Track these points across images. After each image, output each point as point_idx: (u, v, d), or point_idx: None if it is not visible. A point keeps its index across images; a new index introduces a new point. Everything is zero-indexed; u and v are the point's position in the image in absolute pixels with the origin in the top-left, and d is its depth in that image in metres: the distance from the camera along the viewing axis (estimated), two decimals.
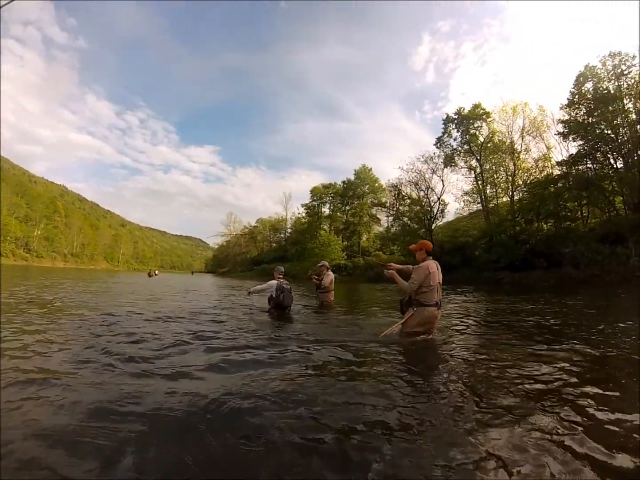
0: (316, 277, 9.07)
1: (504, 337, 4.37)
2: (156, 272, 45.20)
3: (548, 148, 29.30)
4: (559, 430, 2.05)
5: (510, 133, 31.10)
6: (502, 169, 31.93)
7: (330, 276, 8.91)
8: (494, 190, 33.09)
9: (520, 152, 30.19)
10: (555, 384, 2.86)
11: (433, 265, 4.52)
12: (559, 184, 25.73)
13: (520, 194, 29.32)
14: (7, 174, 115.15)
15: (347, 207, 59.58)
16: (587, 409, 2.34)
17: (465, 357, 3.77)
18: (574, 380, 2.94)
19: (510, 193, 29.94)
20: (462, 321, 6.49)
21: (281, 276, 7.61)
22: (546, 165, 29.24)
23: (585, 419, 2.19)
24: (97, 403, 2.30)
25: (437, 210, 35.01)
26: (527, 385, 2.83)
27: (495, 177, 32.70)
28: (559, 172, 26.96)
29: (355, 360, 3.58)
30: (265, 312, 7.39)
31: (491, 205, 33.06)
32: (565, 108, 27.02)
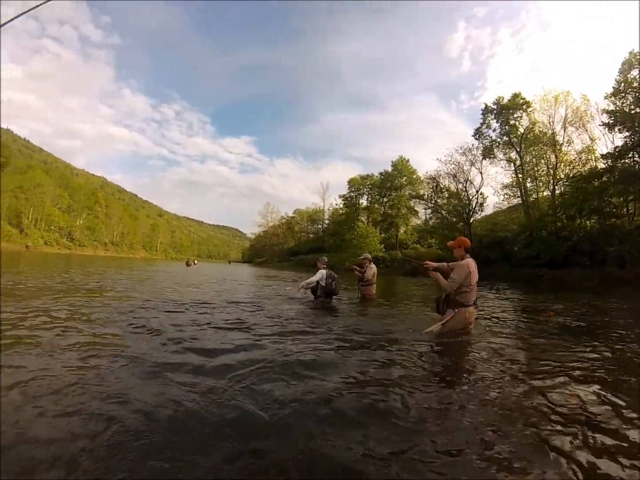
0: (358, 269, 8.98)
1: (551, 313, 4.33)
2: (195, 261, 45.95)
3: (592, 140, 28.14)
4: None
5: (551, 124, 30.20)
6: (543, 161, 30.99)
7: (373, 269, 8.82)
8: (534, 183, 32.27)
9: (562, 143, 29.34)
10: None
11: (472, 264, 4.54)
12: (604, 178, 24.50)
13: (562, 188, 28.47)
14: (51, 167, 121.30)
15: (385, 199, 59.68)
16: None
17: (500, 355, 3.85)
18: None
19: (552, 187, 29.23)
20: (498, 318, 6.45)
21: (325, 265, 7.97)
22: (590, 158, 28.10)
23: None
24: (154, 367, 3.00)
25: (476, 204, 34.70)
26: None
27: (536, 170, 31.79)
28: (603, 166, 25.66)
29: (395, 353, 3.76)
30: (310, 301, 7.84)
31: (531, 199, 32.31)
32: (611, 97, 25.57)
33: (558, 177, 28.93)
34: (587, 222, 26.25)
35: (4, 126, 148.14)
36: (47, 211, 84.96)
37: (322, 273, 7.70)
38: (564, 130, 29.32)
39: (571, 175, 27.86)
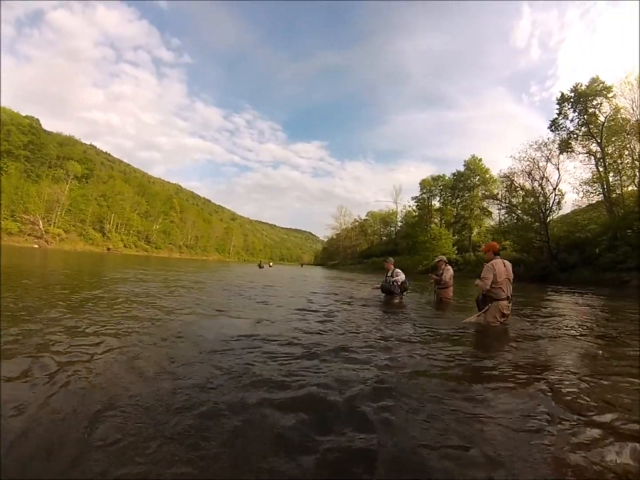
0: (435, 274, 8.94)
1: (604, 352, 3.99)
2: (270, 264, 47.19)
3: None
4: None
5: (635, 109, 27.06)
6: (627, 152, 28.03)
7: (450, 271, 8.67)
8: (618, 177, 29.23)
9: None
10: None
11: (499, 263, 5.39)
12: None
13: None
14: (130, 177, 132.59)
15: (458, 200, 58.01)
16: None
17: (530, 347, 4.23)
18: None
19: (638, 181, 26.35)
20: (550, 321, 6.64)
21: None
22: None
23: None
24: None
25: (553, 202, 32.39)
26: None
27: (619, 162, 28.84)
28: None
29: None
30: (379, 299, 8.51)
31: (614, 195, 29.27)
32: None
33: None
34: None
35: (88, 142, 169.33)
36: (126, 216, 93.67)
37: (401, 272, 8.42)
38: None
39: None
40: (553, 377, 3.07)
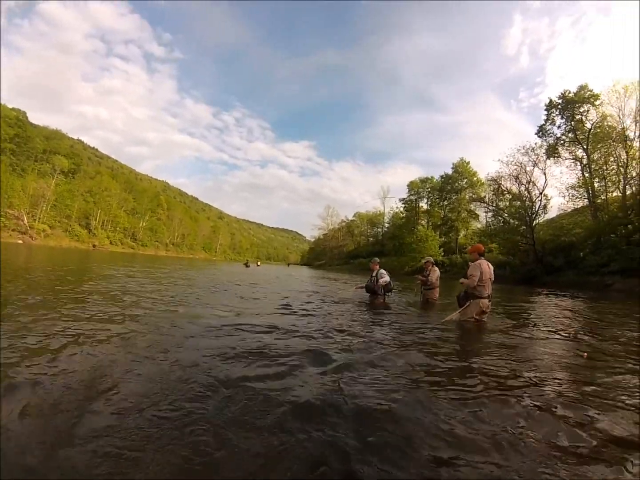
0: (421, 275, 9.00)
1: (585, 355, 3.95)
2: (258, 263, 47.95)
3: None
4: None
5: (621, 117, 27.88)
6: (612, 159, 28.60)
7: (436, 272, 8.73)
8: (603, 183, 29.75)
9: (634, 139, 26.96)
10: None
11: (484, 264, 5.78)
12: None
13: (634, 188, 26.21)
14: (117, 173, 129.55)
15: (445, 202, 58.46)
16: None
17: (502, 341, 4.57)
18: None
19: (622, 187, 26.95)
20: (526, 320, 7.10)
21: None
22: None
23: None
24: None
25: (539, 206, 32.91)
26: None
27: (605, 168, 29.38)
28: None
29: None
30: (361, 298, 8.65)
31: (599, 200, 29.90)
32: None
33: (629, 175, 26.65)
34: None
35: (76, 137, 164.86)
36: (113, 213, 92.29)
37: (385, 273, 8.36)
38: (636, 124, 26.93)
39: None
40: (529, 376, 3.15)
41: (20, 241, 57.49)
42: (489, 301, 5.88)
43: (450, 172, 57.35)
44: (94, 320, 4.24)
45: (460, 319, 5.84)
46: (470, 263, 6.06)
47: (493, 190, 39.80)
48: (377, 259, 8.94)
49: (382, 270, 8.37)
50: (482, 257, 5.93)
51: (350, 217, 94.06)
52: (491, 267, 5.90)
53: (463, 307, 5.92)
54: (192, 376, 2.62)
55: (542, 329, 5.92)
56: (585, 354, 3.95)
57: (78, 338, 3.40)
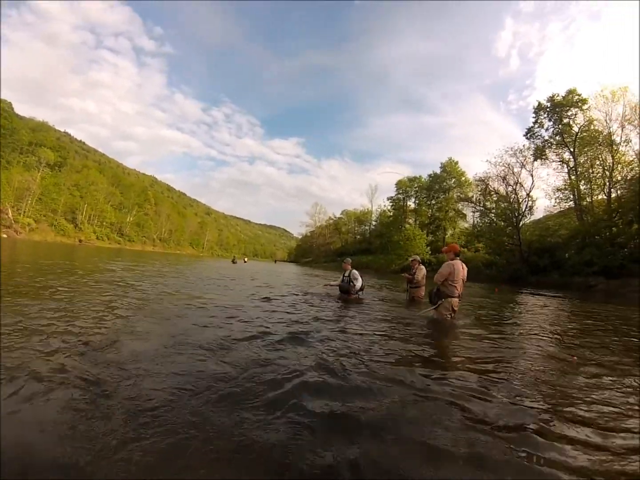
0: (408, 274, 8.88)
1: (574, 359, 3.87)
2: (245, 259, 48.41)
3: None
4: None
5: (608, 122, 28.24)
6: (598, 162, 28.83)
7: (422, 270, 8.61)
8: (589, 186, 30.01)
9: (620, 143, 27.34)
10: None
11: (458, 264, 5.80)
12: None
13: (619, 191, 26.62)
14: (104, 167, 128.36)
15: (433, 201, 58.85)
16: None
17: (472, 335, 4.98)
18: None
19: (607, 190, 27.27)
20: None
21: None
22: None
23: None
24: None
25: (526, 207, 33.32)
26: None
27: (591, 171, 29.63)
28: None
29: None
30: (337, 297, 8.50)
31: (585, 203, 30.32)
32: None
33: (615, 179, 27.01)
34: None
35: (63, 129, 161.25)
36: (100, 207, 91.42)
37: (358, 274, 8.52)
38: (622, 128, 27.34)
39: (629, 177, 25.99)
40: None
41: (4, 235, 56.46)
42: (459, 300, 6.00)
43: (438, 171, 57.76)
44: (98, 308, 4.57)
45: (435, 317, 5.98)
46: (444, 263, 6.09)
47: (480, 191, 40.24)
48: (350, 259, 8.89)
49: (355, 271, 8.45)
50: (458, 257, 5.95)
51: (338, 215, 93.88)
52: (465, 268, 5.99)
53: (435, 306, 6.02)
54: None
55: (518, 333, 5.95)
56: (575, 357, 3.93)
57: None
